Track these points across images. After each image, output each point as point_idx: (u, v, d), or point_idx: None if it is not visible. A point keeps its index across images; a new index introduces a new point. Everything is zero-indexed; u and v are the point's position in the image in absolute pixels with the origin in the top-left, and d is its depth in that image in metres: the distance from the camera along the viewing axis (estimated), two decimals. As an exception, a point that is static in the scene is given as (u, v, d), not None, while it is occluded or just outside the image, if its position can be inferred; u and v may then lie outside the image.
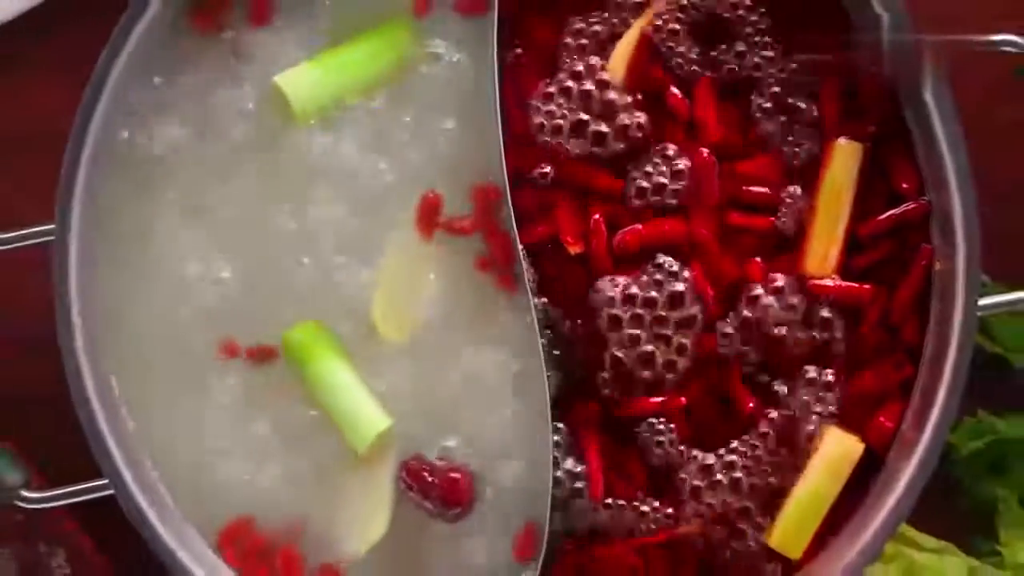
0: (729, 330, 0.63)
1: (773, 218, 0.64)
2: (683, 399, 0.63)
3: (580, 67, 0.64)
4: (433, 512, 0.61)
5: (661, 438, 0.63)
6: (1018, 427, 0.76)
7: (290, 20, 0.66)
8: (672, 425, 0.63)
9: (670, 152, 0.63)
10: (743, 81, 0.64)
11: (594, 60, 0.64)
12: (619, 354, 0.63)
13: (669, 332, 0.63)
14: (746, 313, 0.63)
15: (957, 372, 0.63)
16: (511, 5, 0.65)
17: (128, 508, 0.63)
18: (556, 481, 0.62)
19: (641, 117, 0.64)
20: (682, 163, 0.63)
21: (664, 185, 0.63)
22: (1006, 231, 0.67)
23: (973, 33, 0.65)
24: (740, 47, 0.64)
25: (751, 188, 0.64)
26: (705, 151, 0.63)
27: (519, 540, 0.62)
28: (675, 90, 0.63)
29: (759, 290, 0.64)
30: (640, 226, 0.64)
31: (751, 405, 0.63)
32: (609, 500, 0.64)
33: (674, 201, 0.63)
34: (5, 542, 0.76)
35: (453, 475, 0.61)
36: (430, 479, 0.61)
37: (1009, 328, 0.76)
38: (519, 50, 0.65)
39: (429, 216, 0.63)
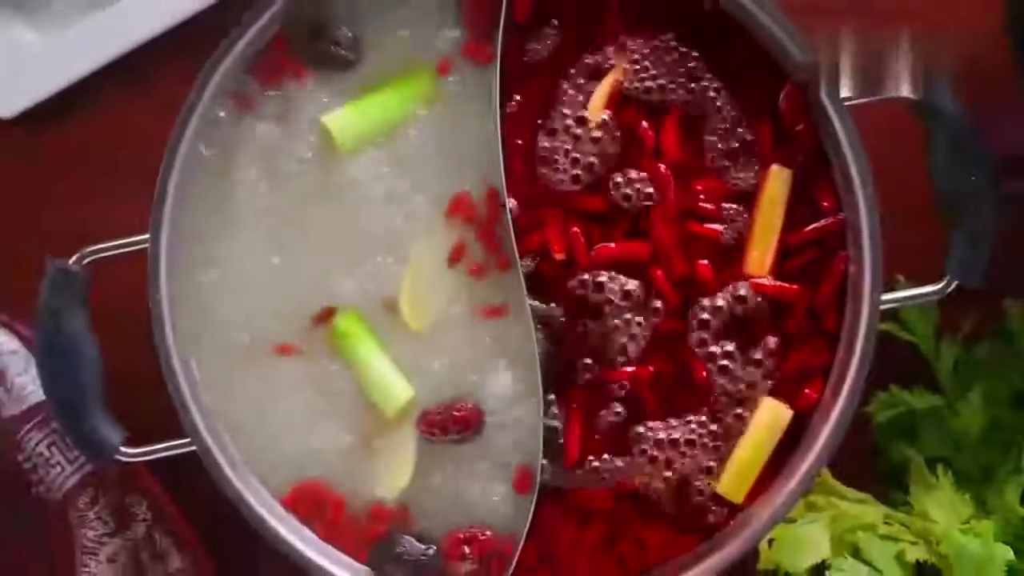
0: (689, 316, 0.76)
1: (720, 228, 0.77)
2: (650, 368, 0.75)
3: (567, 110, 0.77)
4: (453, 439, 0.75)
5: (628, 407, 0.77)
6: (924, 399, 0.88)
7: (332, 75, 0.78)
8: (640, 392, 0.76)
9: (636, 175, 0.76)
10: (699, 118, 0.77)
11: (580, 100, 0.77)
12: (595, 334, 0.76)
13: (639, 320, 0.76)
14: (703, 305, 0.77)
15: (864, 353, 0.75)
16: (512, 59, 0.77)
17: (207, 462, 0.76)
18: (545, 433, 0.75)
19: (616, 147, 0.77)
20: (650, 187, 0.77)
21: (634, 197, 0.76)
22: (916, 241, 0.78)
23: (884, 84, 0.76)
24: (696, 94, 0.77)
25: (704, 204, 0.77)
26: (662, 167, 0.75)
27: (518, 472, 0.76)
28: (644, 123, 0.76)
29: (710, 291, 0.76)
30: (612, 244, 0.76)
31: (704, 374, 0.76)
32: (590, 458, 0.76)
33: (648, 203, 0.76)
34: (102, 493, 0.88)
35: (461, 408, 0.75)
36: (442, 418, 0.75)
37: (916, 318, 0.87)
38: (518, 97, 0.77)
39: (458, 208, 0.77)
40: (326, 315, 0.77)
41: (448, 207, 0.77)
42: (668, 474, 0.76)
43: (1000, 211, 0.74)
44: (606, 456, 0.76)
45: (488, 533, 0.76)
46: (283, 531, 0.76)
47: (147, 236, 0.76)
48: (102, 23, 0.89)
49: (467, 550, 0.75)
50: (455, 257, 0.77)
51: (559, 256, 0.76)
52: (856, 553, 0.84)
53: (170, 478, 0.89)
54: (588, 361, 0.76)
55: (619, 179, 0.76)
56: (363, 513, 0.77)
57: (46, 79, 0.90)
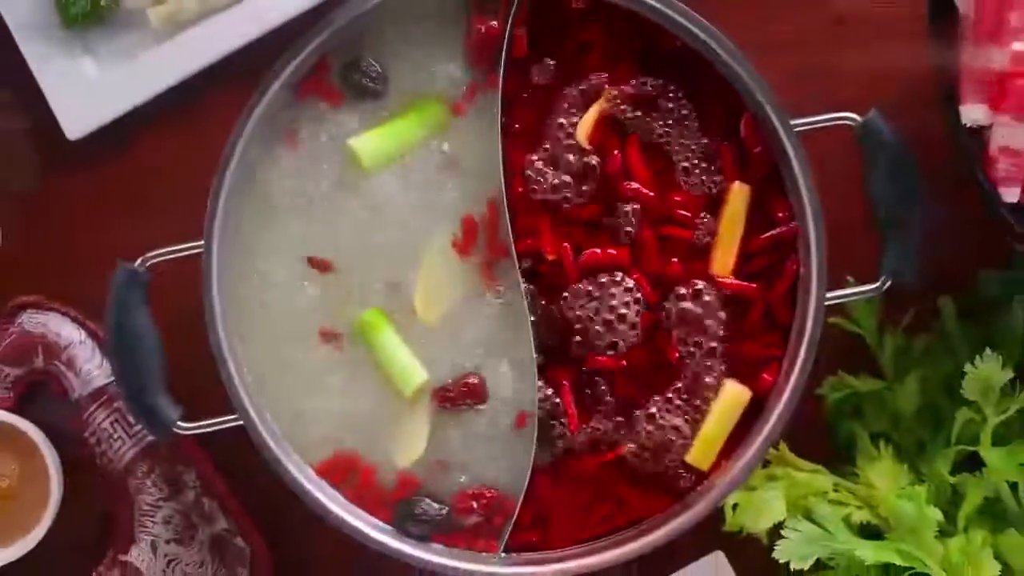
0: (664, 310, 0.88)
1: (691, 233, 0.88)
2: (623, 362, 0.87)
3: (559, 134, 0.88)
4: (463, 408, 0.87)
5: (612, 385, 0.88)
6: (868, 383, 0.96)
7: (360, 103, 0.89)
8: (622, 376, 0.87)
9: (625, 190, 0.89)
10: (671, 141, 0.88)
11: (569, 128, 0.88)
12: (583, 326, 0.88)
13: (621, 310, 0.88)
14: (676, 301, 0.88)
15: (812, 342, 0.85)
16: (512, 90, 0.88)
17: (252, 435, 0.85)
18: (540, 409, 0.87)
19: (600, 166, 0.88)
20: (630, 206, 0.88)
21: (619, 209, 0.88)
22: (861, 247, 0.88)
23: (826, 112, 0.87)
24: (669, 120, 0.88)
25: (680, 212, 0.88)
26: (635, 184, 0.87)
27: (518, 414, 0.88)
28: (616, 150, 0.88)
29: (682, 289, 0.88)
30: (598, 250, 0.87)
31: (676, 358, 0.87)
32: (577, 430, 0.88)
33: (633, 219, 0.88)
34: (157, 464, 0.98)
35: (467, 383, 0.87)
36: (453, 393, 0.87)
37: (862, 313, 0.96)
38: (516, 125, 0.88)
39: (470, 232, 0.88)
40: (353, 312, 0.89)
41: (463, 222, 0.88)
42: (646, 445, 0.88)
43: (927, 222, 0.86)
44: (588, 429, 0.88)
45: (492, 492, 0.88)
46: (317, 494, 0.86)
47: (200, 242, 0.85)
48: (156, 58, 0.98)
49: (475, 505, 0.87)
50: (463, 250, 0.88)
51: (551, 257, 0.87)
52: (809, 516, 0.92)
53: (217, 451, 1.00)
54: (578, 339, 0.88)
55: (602, 193, 0.88)
56: (387, 480, 0.88)
57: (108, 107, 0.99)
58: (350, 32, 0.87)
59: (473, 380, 0.88)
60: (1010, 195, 0.84)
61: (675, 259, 0.88)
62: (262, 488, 0.97)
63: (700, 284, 0.88)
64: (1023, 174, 0.83)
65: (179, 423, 0.88)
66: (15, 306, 1.00)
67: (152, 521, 0.98)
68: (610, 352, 0.88)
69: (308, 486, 0.87)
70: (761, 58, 0.86)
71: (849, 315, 0.97)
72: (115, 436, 0.98)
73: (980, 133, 0.84)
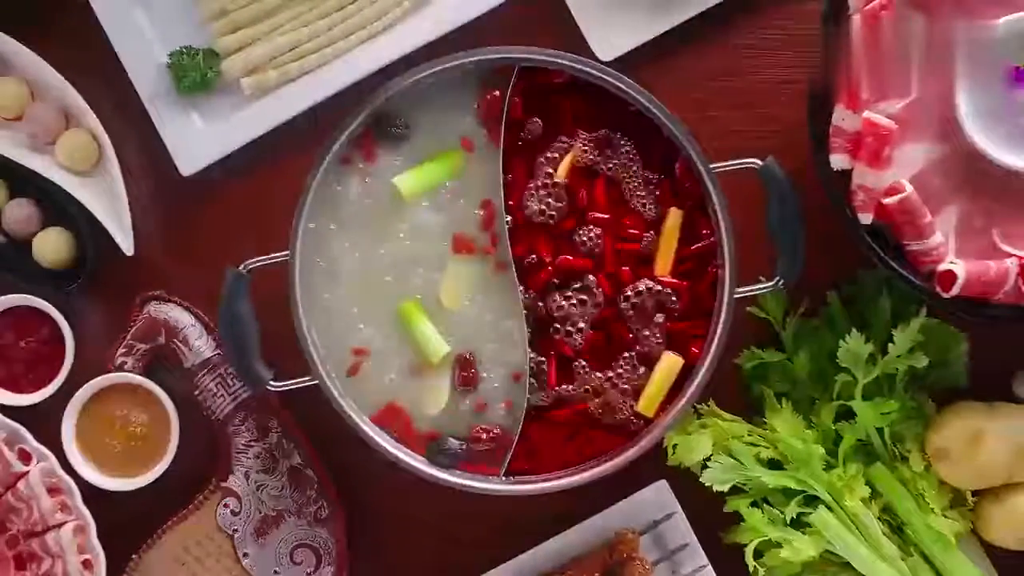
0: (620, 302, 1.15)
1: (639, 245, 1.13)
2: (586, 344, 1.12)
3: (547, 169, 1.15)
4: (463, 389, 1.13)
5: (581, 359, 1.15)
6: (773, 355, 1.16)
7: (396, 151, 1.14)
8: (589, 350, 1.14)
9: (591, 215, 1.17)
10: (625, 178, 1.14)
11: (550, 171, 1.15)
12: (561, 312, 1.15)
13: (585, 301, 1.15)
14: (629, 295, 1.15)
15: (726, 324, 1.08)
16: (510, 141, 1.13)
17: (324, 390, 1.08)
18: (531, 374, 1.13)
19: (573, 197, 1.13)
20: (593, 226, 1.15)
21: (585, 231, 1.17)
22: (766, 256, 1.10)
23: (737, 157, 1.10)
24: (623, 162, 1.14)
25: (630, 230, 1.13)
26: (597, 214, 1.13)
27: (513, 375, 1.14)
28: (583, 187, 1.13)
29: (633, 286, 1.14)
30: (570, 257, 1.13)
31: (628, 337, 1.14)
32: (557, 388, 1.15)
33: (596, 233, 1.16)
34: (249, 414, 1.18)
35: (469, 371, 1.12)
36: (465, 375, 1.12)
37: (770, 303, 1.16)
38: (512, 171, 1.14)
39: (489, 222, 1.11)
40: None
41: (483, 220, 1.12)
42: (607, 400, 1.16)
43: (809, 238, 1.11)
44: (568, 386, 1.17)
45: (497, 430, 1.15)
46: (371, 434, 1.12)
47: (286, 252, 1.08)
48: (247, 115, 1.17)
49: (484, 436, 1.14)
50: (463, 248, 1.14)
51: (533, 258, 1.13)
52: (729, 452, 1.14)
53: (294, 404, 1.19)
54: (557, 327, 1.15)
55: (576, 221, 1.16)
56: (421, 424, 1.13)
57: (210, 151, 1.18)
58: (392, 99, 1.13)
59: (472, 369, 1.13)
60: (865, 219, 1.10)
61: (626, 267, 1.14)
62: (327, 432, 1.18)
63: (646, 283, 1.13)
64: (874, 204, 1.09)
65: (271, 382, 1.12)
66: (144, 298, 1.21)
67: (245, 457, 1.18)
68: (581, 326, 1.14)
69: (364, 428, 1.13)
70: (690, 119, 1.10)
71: (760, 305, 1.18)
72: (217, 394, 1.18)
73: (843, 175, 1.09)
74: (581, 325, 1.15)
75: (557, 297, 1.15)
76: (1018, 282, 1.09)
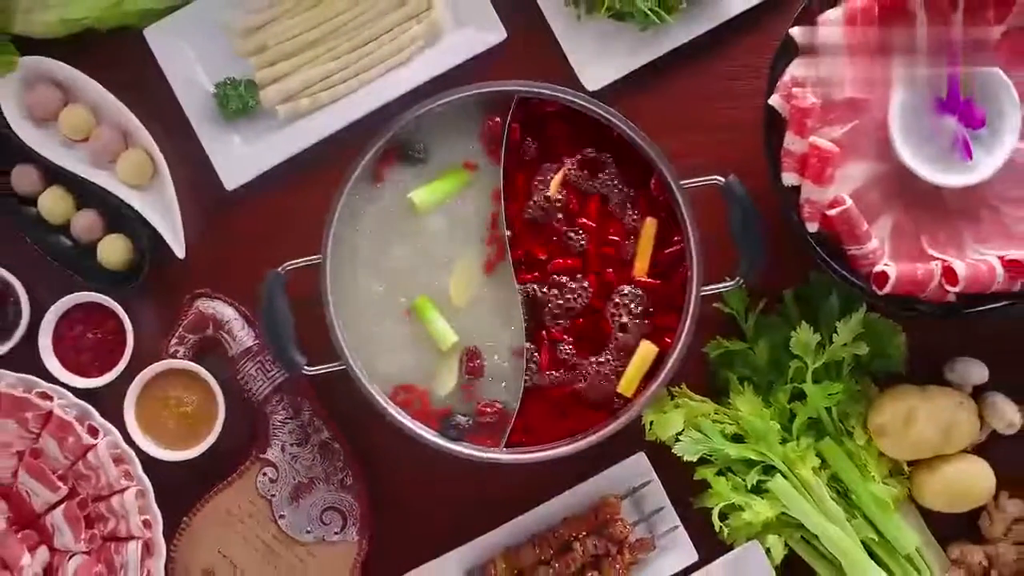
0: (603, 298, 1.32)
1: (621, 250, 1.31)
2: (574, 334, 1.29)
3: (540, 187, 1.33)
4: (470, 377, 1.29)
5: (570, 347, 1.34)
6: (737, 344, 1.30)
7: (410, 170, 1.31)
8: (577, 340, 1.31)
9: (579, 223, 1.36)
10: (609, 193, 1.32)
11: (544, 186, 1.32)
12: (553, 307, 1.32)
13: (575, 297, 1.33)
14: (612, 293, 1.32)
15: (693, 318, 1.23)
16: (510, 161, 1.31)
17: (351, 373, 1.23)
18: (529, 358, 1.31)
19: (564, 210, 1.31)
20: (582, 233, 1.34)
21: (575, 236, 1.36)
22: (730, 259, 1.28)
23: (704, 175, 1.26)
24: (606, 179, 1.33)
25: (612, 237, 1.31)
26: (584, 220, 1.30)
27: (514, 350, 1.30)
28: (574, 200, 1.30)
29: (615, 286, 1.32)
30: (564, 259, 1.29)
31: (610, 329, 1.31)
32: (550, 371, 1.33)
33: (584, 241, 1.36)
34: (285, 395, 1.31)
35: (475, 362, 1.28)
36: (472, 366, 1.28)
37: (733, 299, 1.30)
38: (512, 185, 1.31)
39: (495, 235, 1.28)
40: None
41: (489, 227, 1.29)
42: (592, 382, 1.34)
43: (764, 245, 1.27)
44: (557, 371, 1.35)
45: (498, 406, 1.32)
46: (392, 412, 1.28)
47: (319, 256, 1.22)
48: (282, 137, 1.32)
49: (489, 410, 1.31)
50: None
51: (530, 259, 1.29)
52: (698, 428, 1.28)
53: (324, 387, 1.33)
54: (549, 318, 1.32)
55: (567, 226, 1.35)
56: (435, 402, 1.29)
57: (251, 168, 1.32)
58: (408, 125, 1.31)
59: (478, 360, 1.29)
60: (812, 227, 1.26)
61: (610, 269, 1.33)
62: (352, 412, 1.32)
63: (626, 284, 1.32)
64: (819, 215, 1.26)
65: (305, 367, 1.28)
66: (193, 295, 1.35)
67: (281, 432, 1.32)
68: (569, 314, 1.30)
69: (386, 406, 1.29)
70: (665, 140, 1.25)
71: (725, 301, 1.33)
72: (257, 379, 1.32)
73: (794, 190, 1.27)
74: (570, 317, 1.31)
75: (549, 293, 1.31)
76: (941, 282, 1.27)
